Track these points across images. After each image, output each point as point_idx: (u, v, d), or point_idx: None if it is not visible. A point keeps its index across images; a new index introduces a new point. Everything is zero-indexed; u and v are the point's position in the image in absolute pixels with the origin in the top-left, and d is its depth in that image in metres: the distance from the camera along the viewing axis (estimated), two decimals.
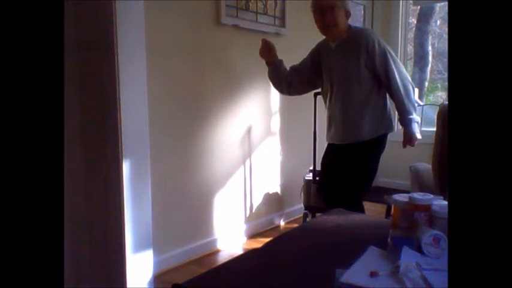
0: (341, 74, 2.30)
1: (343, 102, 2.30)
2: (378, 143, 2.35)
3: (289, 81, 2.50)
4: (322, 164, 2.58)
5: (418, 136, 2.31)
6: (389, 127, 2.36)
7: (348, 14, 2.28)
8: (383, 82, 2.27)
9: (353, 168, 2.37)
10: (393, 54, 2.27)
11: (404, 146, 2.35)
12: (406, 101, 2.24)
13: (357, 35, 2.27)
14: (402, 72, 2.27)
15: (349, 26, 2.33)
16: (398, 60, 2.31)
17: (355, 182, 2.39)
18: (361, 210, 2.41)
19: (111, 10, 1.73)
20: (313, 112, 2.92)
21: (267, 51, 2.48)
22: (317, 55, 2.46)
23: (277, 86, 2.58)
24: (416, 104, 2.34)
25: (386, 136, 2.38)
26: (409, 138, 2.30)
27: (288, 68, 2.53)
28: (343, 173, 2.42)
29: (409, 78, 2.32)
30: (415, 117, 2.28)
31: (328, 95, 2.39)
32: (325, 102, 2.46)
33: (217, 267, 1.34)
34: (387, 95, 2.35)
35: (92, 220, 1.96)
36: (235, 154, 2.93)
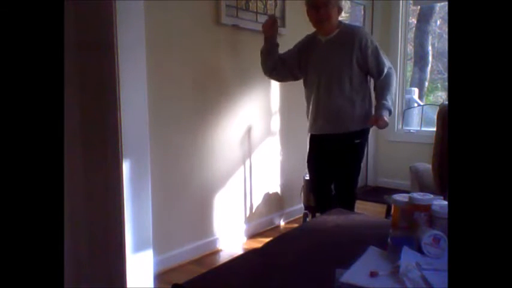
0: (331, 67, 2.40)
1: (334, 95, 2.40)
2: (363, 134, 2.49)
3: (274, 66, 2.59)
4: (310, 161, 2.64)
5: (386, 120, 2.36)
6: None
7: (340, 11, 2.42)
8: (373, 75, 2.42)
9: (343, 157, 2.48)
10: (382, 51, 2.43)
11: (369, 123, 2.42)
12: (386, 91, 2.38)
13: (350, 32, 2.41)
14: (391, 67, 2.45)
15: (340, 22, 2.45)
16: (386, 57, 2.46)
17: (346, 170, 2.52)
18: (353, 200, 2.55)
19: (111, 10, 1.73)
20: None
21: (271, 27, 2.53)
22: (305, 48, 2.54)
23: (263, 64, 2.62)
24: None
25: (369, 129, 2.52)
26: (376, 118, 2.36)
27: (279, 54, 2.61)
28: (334, 165, 2.52)
29: (394, 75, 2.46)
30: (390, 106, 2.38)
31: (315, 87, 2.46)
32: (310, 93, 2.53)
33: (217, 267, 1.34)
34: (371, 89, 2.50)
35: (92, 220, 1.96)
36: (235, 154, 2.93)
